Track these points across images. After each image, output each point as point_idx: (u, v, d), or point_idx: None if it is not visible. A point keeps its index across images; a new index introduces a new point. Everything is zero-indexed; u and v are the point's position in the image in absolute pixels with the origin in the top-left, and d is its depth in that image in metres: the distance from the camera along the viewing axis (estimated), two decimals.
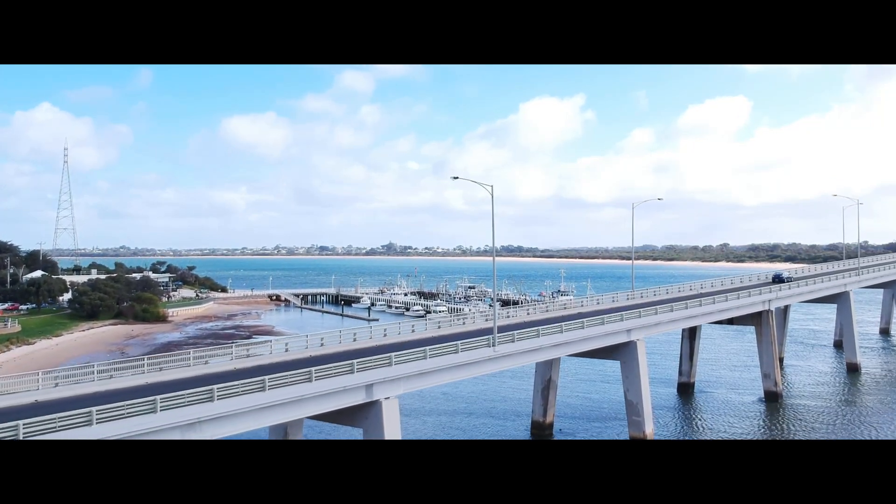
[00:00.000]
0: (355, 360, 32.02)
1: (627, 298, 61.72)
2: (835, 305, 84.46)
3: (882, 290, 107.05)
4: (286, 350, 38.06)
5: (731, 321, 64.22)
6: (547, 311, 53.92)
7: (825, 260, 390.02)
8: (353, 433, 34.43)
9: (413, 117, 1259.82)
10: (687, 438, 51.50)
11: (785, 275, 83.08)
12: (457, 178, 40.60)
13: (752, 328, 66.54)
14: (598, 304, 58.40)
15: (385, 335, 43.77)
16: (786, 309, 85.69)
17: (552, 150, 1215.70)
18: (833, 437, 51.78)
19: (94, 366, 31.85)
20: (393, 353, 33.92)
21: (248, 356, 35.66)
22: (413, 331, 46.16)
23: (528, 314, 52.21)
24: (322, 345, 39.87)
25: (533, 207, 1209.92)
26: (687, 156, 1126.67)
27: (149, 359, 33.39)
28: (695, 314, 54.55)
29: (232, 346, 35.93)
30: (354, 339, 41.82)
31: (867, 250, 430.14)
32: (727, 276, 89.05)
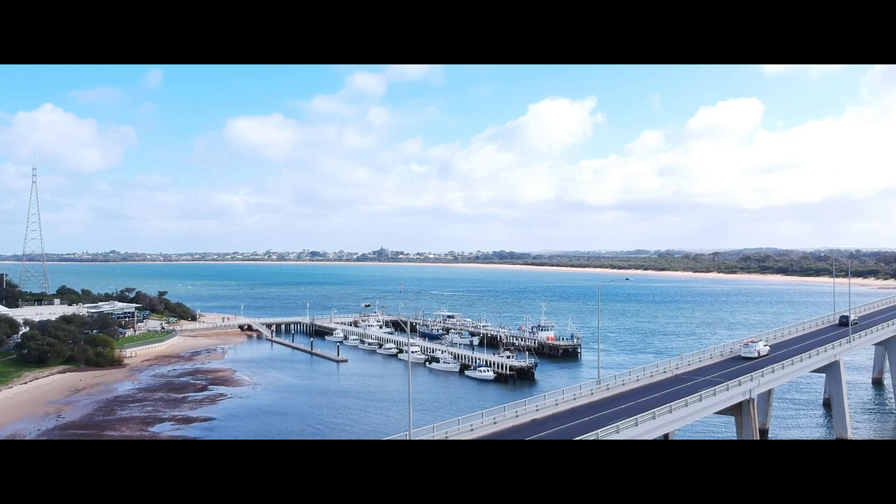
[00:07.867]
0: None
1: (591, 393, 55.19)
2: (823, 375, 78.25)
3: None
4: None
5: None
6: (495, 422, 47.20)
7: (817, 273, 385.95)
8: None
9: (422, 119, 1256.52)
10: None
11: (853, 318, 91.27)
12: (368, 305, 33.96)
13: (732, 418, 60.28)
14: (556, 404, 51.82)
15: None
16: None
17: (559, 153, 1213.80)
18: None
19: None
20: None
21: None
22: None
23: (472, 430, 45.43)
24: None
25: (534, 210, 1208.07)
26: (694, 158, 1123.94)
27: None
28: (664, 423, 48.11)
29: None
30: None
31: (860, 261, 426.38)
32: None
